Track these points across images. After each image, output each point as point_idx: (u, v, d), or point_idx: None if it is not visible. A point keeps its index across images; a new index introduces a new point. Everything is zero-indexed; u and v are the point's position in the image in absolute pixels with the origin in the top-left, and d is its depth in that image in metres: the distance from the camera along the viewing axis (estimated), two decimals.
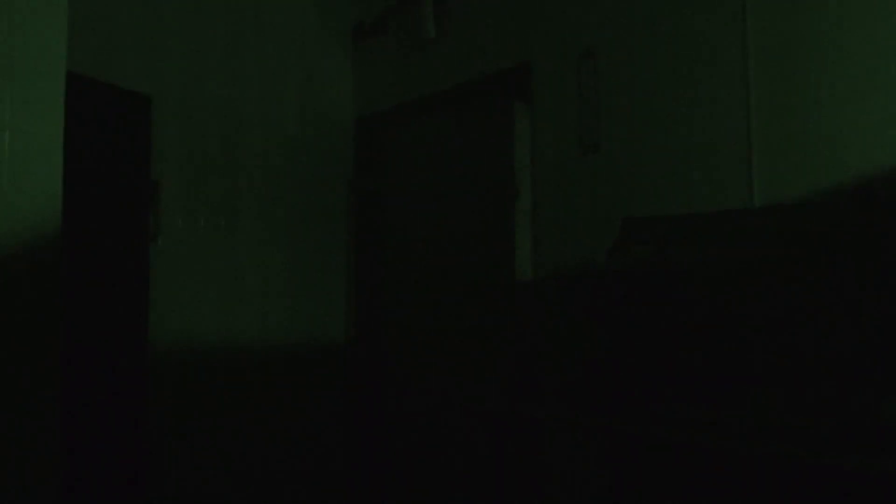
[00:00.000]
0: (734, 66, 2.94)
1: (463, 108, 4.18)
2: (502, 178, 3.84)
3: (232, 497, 4.06)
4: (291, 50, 4.55)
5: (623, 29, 3.37)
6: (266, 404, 4.24)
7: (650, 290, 2.56)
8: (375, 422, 4.55)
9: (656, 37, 3.23)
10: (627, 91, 3.33)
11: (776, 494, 2.19)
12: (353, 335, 4.64)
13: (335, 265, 4.67)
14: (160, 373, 3.82)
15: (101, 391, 3.64)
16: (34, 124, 2.34)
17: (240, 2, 4.31)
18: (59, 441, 2.44)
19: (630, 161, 3.29)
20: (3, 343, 2.23)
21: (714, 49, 3.02)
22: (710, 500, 2.36)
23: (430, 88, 4.28)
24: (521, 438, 3.60)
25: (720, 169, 2.95)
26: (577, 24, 3.57)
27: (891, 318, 2.00)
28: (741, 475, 2.27)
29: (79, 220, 3.38)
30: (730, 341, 2.28)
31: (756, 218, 2.54)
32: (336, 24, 4.79)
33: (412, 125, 4.49)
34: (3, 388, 2.23)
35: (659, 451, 2.57)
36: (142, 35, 3.86)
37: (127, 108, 3.81)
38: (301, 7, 4.61)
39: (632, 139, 3.29)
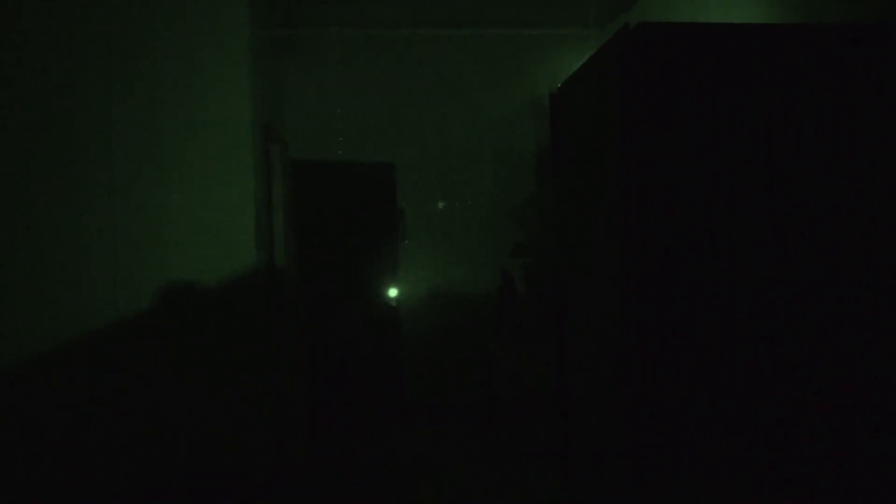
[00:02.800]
0: None
1: None
2: None
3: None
4: (488, 121, 7.34)
5: None
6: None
7: None
8: None
9: None
10: None
11: None
12: None
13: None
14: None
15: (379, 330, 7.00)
16: (232, 188, 5.58)
17: (450, 94, 7.29)
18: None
19: None
20: (234, 342, 5.56)
21: None
22: None
23: None
24: None
25: None
26: None
27: None
28: None
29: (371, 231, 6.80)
30: None
31: None
32: (521, 96, 7.39)
33: None
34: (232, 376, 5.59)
35: None
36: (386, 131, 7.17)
37: (383, 171, 7.13)
38: (495, 86, 7.35)
39: None
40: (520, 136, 7.32)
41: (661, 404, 2.38)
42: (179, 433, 4.52)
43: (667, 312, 2.36)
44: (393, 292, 6.95)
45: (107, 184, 4.48)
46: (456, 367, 7.29)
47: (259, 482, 4.62)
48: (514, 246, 7.02)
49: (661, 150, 2.38)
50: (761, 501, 2.40)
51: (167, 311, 4.50)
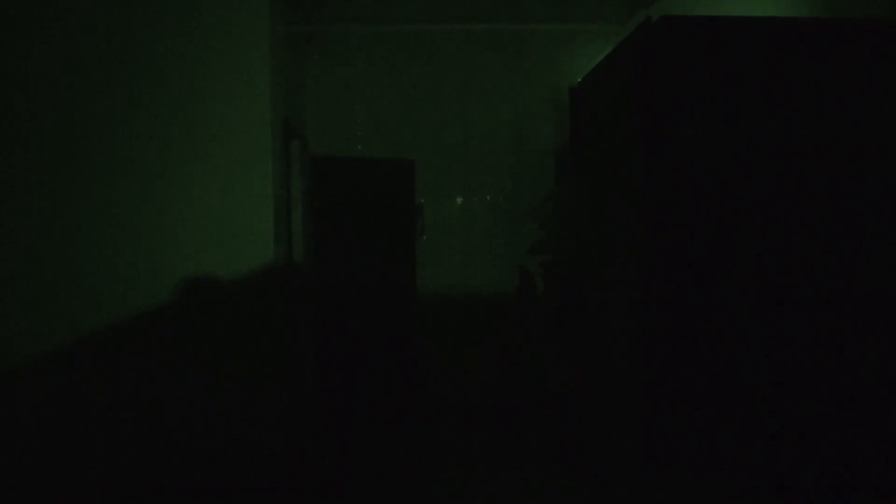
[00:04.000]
0: None
1: None
2: None
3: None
4: (508, 117, 7.30)
5: None
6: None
7: None
8: None
9: None
10: None
11: None
12: None
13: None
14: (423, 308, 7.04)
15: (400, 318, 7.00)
16: (250, 185, 5.61)
17: (470, 90, 7.26)
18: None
19: None
20: (249, 338, 5.59)
21: None
22: None
23: None
24: None
25: None
26: None
27: None
28: None
29: (388, 224, 6.80)
30: None
31: None
32: (541, 93, 7.35)
33: None
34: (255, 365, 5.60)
35: None
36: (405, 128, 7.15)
37: (403, 167, 7.12)
38: (515, 82, 7.32)
39: None
40: (540, 132, 7.29)
41: (680, 402, 2.35)
42: (193, 430, 4.54)
43: (686, 309, 2.34)
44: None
45: (126, 179, 4.50)
46: (474, 364, 7.27)
47: (270, 481, 4.63)
48: (531, 243, 6.99)
49: (681, 144, 2.35)
50: (776, 498, 2.37)
51: (185, 306, 4.51)
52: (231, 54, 4.62)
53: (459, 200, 7.39)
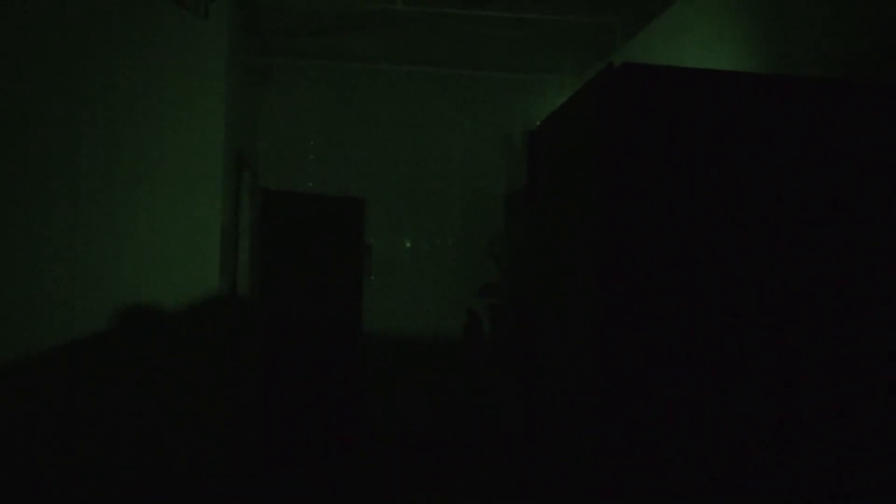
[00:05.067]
0: None
1: None
2: None
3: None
4: (460, 160, 7.37)
5: None
6: None
7: None
8: None
9: None
10: None
11: None
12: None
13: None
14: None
15: (342, 355, 6.89)
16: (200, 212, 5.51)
17: (424, 131, 7.31)
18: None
19: None
20: (191, 360, 5.45)
21: None
22: None
23: None
24: None
25: None
26: None
27: None
28: None
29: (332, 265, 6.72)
30: None
31: None
32: (493, 138, 7.45)
33: None
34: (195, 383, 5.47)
35: None
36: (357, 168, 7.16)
37: (353, 205, 7.09)
38: (469, 126, 7.40)
39: None
40: (491, 176, 7.36)
41: (633, 440, 2.35)
42: (130, 458, 4.36)
43: (642, 350, 2.36)
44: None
45: (70, 201, 4.37)
46: (418, 402, 7.18)
47: None
48: (481, 286, 7.01)
49: (640, 187, 2.39)
50: None
51: (127, 332, 4.37)
52: (187, 81, 4.57)
53: (408, 243, 7.38)
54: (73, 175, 4.39)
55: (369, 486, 5.61)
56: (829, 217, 2.50)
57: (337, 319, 6.89)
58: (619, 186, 2.35)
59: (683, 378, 2.35)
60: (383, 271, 7.27)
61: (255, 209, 5.89)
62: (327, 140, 7.26)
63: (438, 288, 7.23)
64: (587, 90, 2.62)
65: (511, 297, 6.74)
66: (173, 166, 4.51)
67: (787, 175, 2.47)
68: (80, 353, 4.32)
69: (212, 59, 4.62)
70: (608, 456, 2.32)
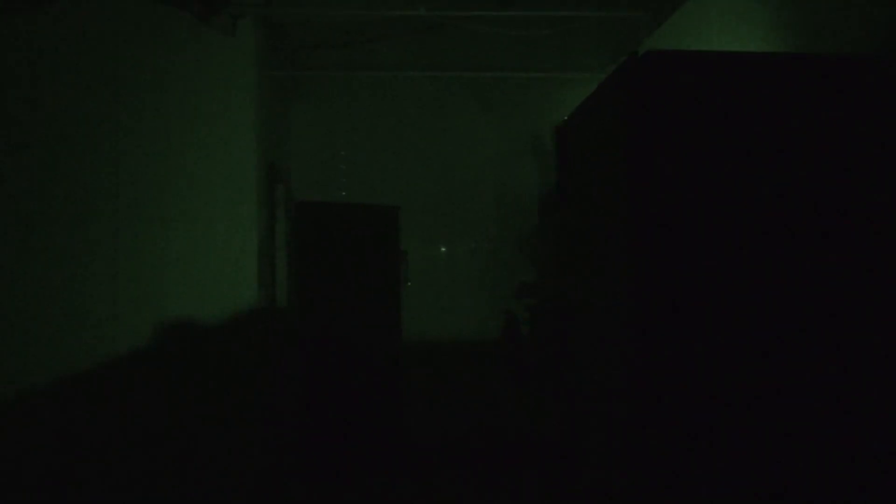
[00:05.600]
0: None
1: None
2: None
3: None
4: (490, 163, 7.37)
5: None
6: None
7: None
8: None
9: None
10: None
11: None
12: None
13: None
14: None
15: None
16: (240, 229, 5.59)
17: (453, 136, 7.33)
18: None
19: None
20: (234, 381, 5.52)
21: None
22: None
23: None
24: None
25: None
26: None
27: None
28: None
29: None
30: None
31: None
32: (521, 138, 7.44)
33: None
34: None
35: None
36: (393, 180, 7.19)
37: (387, 213, 7.12)
38: (498, 127, 7.40)
39: None
40: (523, 176, 7.35)
41: (673, 440, 2.32)
42: (174, 466, 4.42)
43: (678, 346, 2.32)
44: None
45: (111, 222, 4.47)
46: (459, 407, 7.18)
47: None
48: (517, 287, 6.99)
49: (669, 174, 2.36)
50: None
51: (167, 349, 4.44)
52: (218, 99, 4.65)
53: (443, 248, 7.40)
54: (113, 194, 4.49)
55: (410, 494, 5.61)
56: (865, 198, 2.44)
57: (376, 328, 6.92)
58: (648, 175, 2.32)
59: (722, 376, 2.30)
60: (420, 277, 7.31)
61: (290, 221, 5.95)
62: (358, 149, 7.32)
63: (475, 291, 7.23)
64: (612, 81, 2.60)
65: (548, 296, 6.70)
66: (208, 182, 4.58)
67: (822, 154, 2.42)
68: (124, 367, 4.40)
69: (240, 75, 4.70)
70: (644, 456, 2.28)
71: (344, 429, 6.73)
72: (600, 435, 2.75)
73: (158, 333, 4.42)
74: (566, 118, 3.25)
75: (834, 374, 2.36)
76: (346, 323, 6.83)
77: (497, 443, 6.84)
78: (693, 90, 2.36)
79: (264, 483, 4.55)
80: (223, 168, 4.64)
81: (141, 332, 4.46)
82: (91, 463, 4.28)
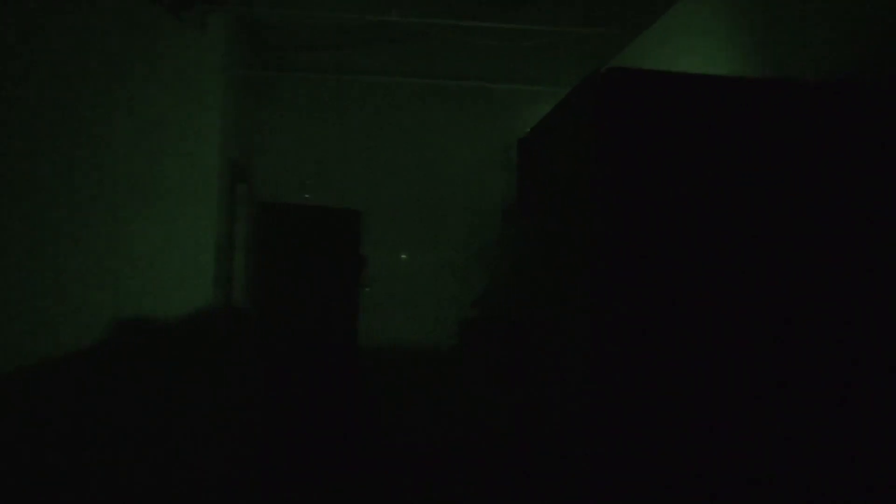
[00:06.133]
0: None
1: None
2: None
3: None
4: (457, 171, 7.37)
5: None
6: None
7: None
8: None
9: None
10: None
11: None
12: None
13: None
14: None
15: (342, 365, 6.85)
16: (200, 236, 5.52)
17: (420, 143, 7.32)
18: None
19: None
20: (185, 370, 5.45)
21: None
22: None
23: None
24: None
25: None
26: None
27: None
28: None
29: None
30: None
31: None
32: (490, 149, 7.45)
33: None
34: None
35: None
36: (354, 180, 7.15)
37: (349, 217, 7.09)
38: (465, 136, 7.41)
39: None
40: (489, 187, 7.36)
41: (631, 446, 2.32)
42: (125, 467, 4.32)
43: (636, 357, 2.33)
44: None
45: (65, 216, 4.37)
46: (416, 413, 7.14)
47: None
48: (476, 297, 6.99)
49: (630, 190, 2.38)
50: None
51: (119, 343, 4.35)
52: (183, 94, 4.58)
53: (404, 255, 7.37)
54: (70, 187, 4.39)
55: (368, 494, 5.56)
56: (821, 220, 2.49)
57: (332, 330, 6.87)
58: (610, 190, 2.33)
59: (679, 383, 2.32)
60: (380, 283, 7.27)
61: (251, 220, 5.89)
62: (325, 152, 7.27)
63: (434, 300, 7.21)
64: (574, 96, 2.62)
65: (504, 307, 6.71)
66: (169, 178, 4.51)
67: (779, 177, 2.46)
68: (73, 363, 4.30)
69: (209, 72, 4.64)
70: (603, 461, 2.29)
71: (300, 428, 6.65)
72: (557, 437, 2.76)
73: (110, 328, 4.34)
74: (528, 131, 3.26)
75: (791, 410, 2.39)
76: (302, 323, 6.77)
77: (452, 444, 6.82)
78: (653, 109, 2.38)
79: (221, 481, 4.47)
80: (185, 165, 4.57)
81: (93, 327, 4.37)
82: (31, 465, 4.17)
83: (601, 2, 5.65)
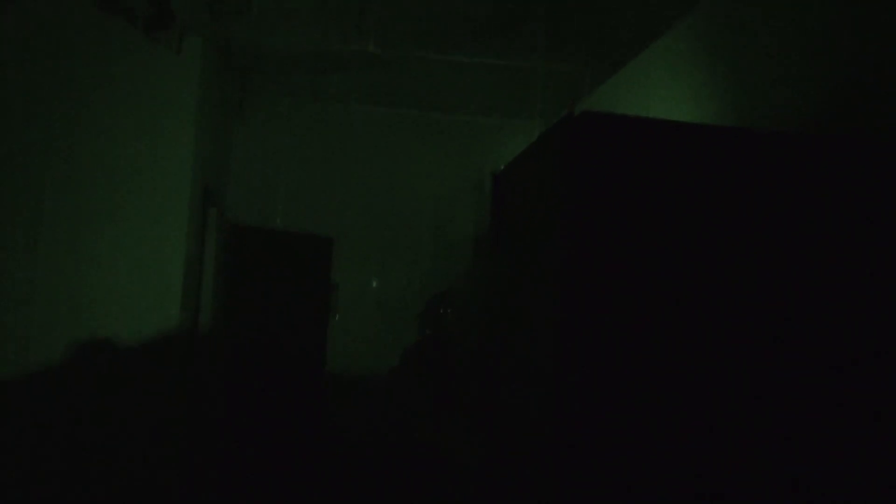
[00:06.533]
0: None
1: None
2: None
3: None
4: (429, 202, 7.40)
5: None
6: None
7: None
8: None
9: None
10: None
11: None
12: None
13: None
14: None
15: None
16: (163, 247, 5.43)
17: (394, 172, 7.34)
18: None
19: None
20: (152, 403, 5.38)
21: None
22: None
23: None
24: None
25: None
26: None
27: None
28: None
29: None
30: None
31: None
32: (463, 180, 7.49)
33: None
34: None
35: None
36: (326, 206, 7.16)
37: (321, 243, 7.08)
38: (439, 168, 7.45)
39: None
40: (461, 219, 7.40)
41: (593, 477, 2.35)
42: (84, 492, 4.24)
43: (601, 396, 2.36)
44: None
45: (30, 231, 4.31)
46: (385, 443, 7.09)
47: None
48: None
49: (598, 232, 2.42)
50: None
51: (81, 366, 4.28)
52: (156, 115, 4.56)
53: (375, 283, 7.37)
54: (34, 204, 4.34)
55: None
56: (790, 269, 2.55)
57: (301, 357, 6.82)
58: (578, 231, 2.37)
59: (642, 423, 2.35)
60: (349, 311, 7.24)
61: (222, 245, 5.85)
62: (298, 178, 7.27)
63: (403, 329, 7.19)
64: (548, 136, 2.66)
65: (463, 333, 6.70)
66: (138, 199, 4.48)
67: (747, 226, 2.51)
68: (35, 386, 4.22)
69: (183, 93, 4.63)
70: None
71: (263, 456, 6.57)
72: (519, 467, 2.78)
73: (73, 350, 4.27)
74: (503, 166, 3.30)
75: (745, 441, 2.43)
76: (270, 349, 6.71)
77: (415, 467, 6.78)
78: (625, 153, 2.43)
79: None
80: (156, 186, 4.53)
81: (54, 349, 4.29)
82: None
83: (577, 39, 5.76)
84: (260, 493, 6.34)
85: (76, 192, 4.40)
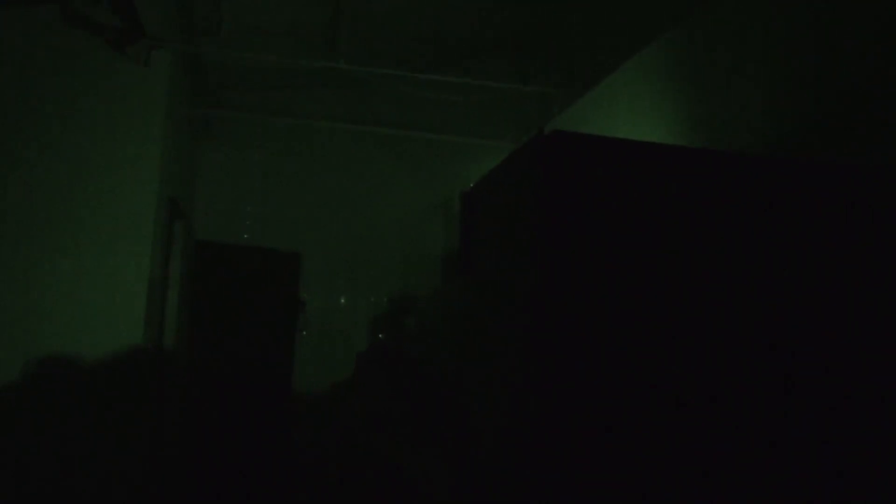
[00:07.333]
0: None
1: None
2: None
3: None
4: (398, 220, 7.40)
5: None
6: None
7: None
8: None
9: None
10: None
11: None
12: None
13: None
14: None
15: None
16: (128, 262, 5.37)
17: (363, 189, 7.33)
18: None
19: None
20: (112, 421, 5.30)
21: None
22: None
23: None
24: None
25: None
26: None
27: None
28: None
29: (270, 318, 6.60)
30: None
31: None
32: (432, 199, 7.51)
33: None
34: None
35: None
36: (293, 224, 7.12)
37: (288, 259, 7.03)
38: (408, 186, 7.46)
39: None
40: (429, 237, 7.40)
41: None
42: None
43: (569, 417, 2.36)
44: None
45: None
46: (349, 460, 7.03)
47: None
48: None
49: (568, 247, 2.44)
50: None
51: (40, 385, 4.19)
52: (123, 128, 4.51)
53: (343, 300, 7.34)
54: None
55: None
56: (760, 285, 2.58)
57: (267, 374, 6.75)
58: (546, 249, 2.39)
59: (612, 441, 2.36)
60: (317, 327, 7.20)
61: (188, 260, 5.78)
62: (266, 194, 7.23)
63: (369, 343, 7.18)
64: (518, 156, 2.68)
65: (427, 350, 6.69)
66: (102, 213, 4.41)
67: (712, 242, 2.55)
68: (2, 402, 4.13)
69: (150, 107, 4.58)
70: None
71: (228, 475, 6.47)
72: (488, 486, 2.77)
73: (32, 369, 4.18)
74: (472, 185, 3.32)
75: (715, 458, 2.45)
76: (237, 366, 6.63)
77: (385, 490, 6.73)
78: (594, 172, 2.46)
79: None
80: (120, 200, 4.48)
81: (11, 367, 4.20)
82: None
83: (547, 62, 5.82)
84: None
85: (37, 205, 4.33)
